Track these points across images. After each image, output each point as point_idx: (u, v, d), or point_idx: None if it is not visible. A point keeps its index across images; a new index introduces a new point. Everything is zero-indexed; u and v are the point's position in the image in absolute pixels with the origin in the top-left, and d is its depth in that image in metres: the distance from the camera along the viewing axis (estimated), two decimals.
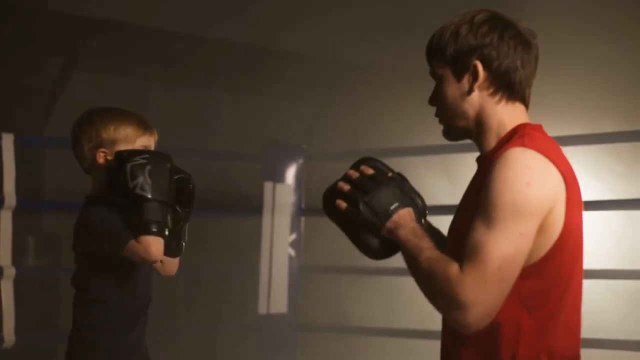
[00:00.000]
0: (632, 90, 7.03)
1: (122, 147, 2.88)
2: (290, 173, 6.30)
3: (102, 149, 2.90)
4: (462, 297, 2.15)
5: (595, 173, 6.66)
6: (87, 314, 2.86)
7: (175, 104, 7.96)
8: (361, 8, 8.00)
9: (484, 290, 2.15)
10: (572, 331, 2.28)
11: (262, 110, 8.22)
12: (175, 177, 2.88)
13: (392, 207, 2.32)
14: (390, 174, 2.39)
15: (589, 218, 6.25)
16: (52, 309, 6.38)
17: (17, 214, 5.36)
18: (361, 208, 2.32)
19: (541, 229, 2.20)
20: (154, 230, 2.77)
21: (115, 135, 2.89)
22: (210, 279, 7.48)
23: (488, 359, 2.24)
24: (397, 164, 8.17)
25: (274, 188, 6.25)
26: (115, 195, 2.82)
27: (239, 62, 7.52)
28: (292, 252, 6.25)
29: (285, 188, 6.25)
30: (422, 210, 2.39)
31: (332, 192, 2.39)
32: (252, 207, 6.53)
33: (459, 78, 2.32)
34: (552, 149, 2.26)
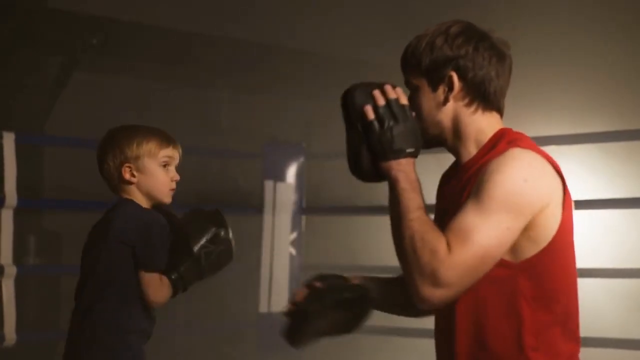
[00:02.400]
0: (619, 90, 7.04)
1: (147, 160, 2.94)
2: (291, 172, 6.30)
3: (127, 164, 2.94)
4: (441, 275, 2.16)
5: (588, 171, 6.67)
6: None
7: (176, 102, 7.96)
8: (362, 7, 8.00)
9: (461, 275, 2.17)
10: (570, 329, 2.29)
11: (263, 109, 8.22)
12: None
13: (408, 150, 2.30)
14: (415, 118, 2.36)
15: (589, 217, 6.24)
16: (53, 307, 6.39)
17: (17, 212, 5.36)
18: (385, 132, 2.29)
19: (533, 227, 2.22)
20: (176, 284, 2.96)
21: (139, 149, 2.94)
22: (211, 278, 7.47)
23: (486, 353, 2.25)
24: None
25: (274, 187, 6.25)
26: (181, 234, 2.97)
27: (239, 60, 7.52)
28: (292, 250, 6.25)
29: (286, 187, 6.25)
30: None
31: (365, 94, 2.37)
32: (252, 205, 6.53)
33: (434, 88, 2.34)
34: (544, 153, 2.29)
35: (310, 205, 6.33)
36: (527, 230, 2.22)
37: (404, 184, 2.27)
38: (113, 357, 2.87)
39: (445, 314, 2.31)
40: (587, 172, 6.66)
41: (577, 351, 2.31)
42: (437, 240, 2.19)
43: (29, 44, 6.47)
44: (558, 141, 5.48)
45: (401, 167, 2.29)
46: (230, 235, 3.03)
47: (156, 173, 2.95)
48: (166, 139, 2.98)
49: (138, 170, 2.93)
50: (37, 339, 6.11)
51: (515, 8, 7.13)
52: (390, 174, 2.29)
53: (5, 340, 5.27)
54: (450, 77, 2.32)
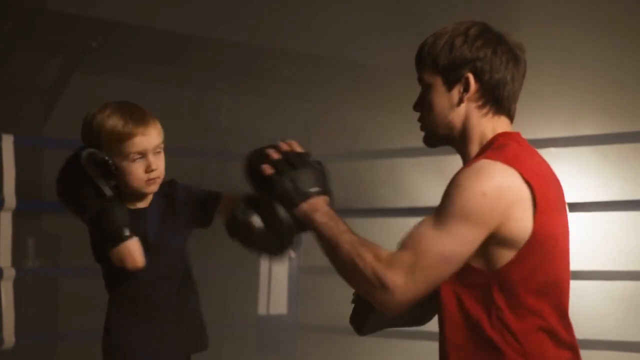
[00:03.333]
0: (613, 92, 7.05)
1: (116, 160, 2.63)
2: None
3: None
4: (389, 279, 2.19)
5: (582, 174, 6.67)
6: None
7: (175, 104, 7.95)
8: (361, 8, 8.00)
9: (411, 279, 2.19)
10: (560, 336, 2.28)
11: (261, 111, 8.22)
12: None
13: (313, 189, 2.35)
14: (317, 160, 2.42)
15: (584, 220, 6.23)
16: (52, 309, 6.39)
17: (17, 214, 5.36)
18: (285, 180, 2.34)
19: (499, 237, 2.22)
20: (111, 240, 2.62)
21: (106, 148, 2.63)
22: (210, 280, 7.48)
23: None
24: (395, 165, 8.16)
25: None
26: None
27: (238, 62, 7.52)
28: (291, 253, 6.25)
29: None
30: (333, 202, 2.41)
31: (259, 156, 2.41)
32: None
33: (449, 88, 2.34)
34: (522, 159, 2.27)
35: None
36: (494, 241, 2.23)
37: (321, 219, 2.32)
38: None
39: (438, 320, 2.32)
40: (581, 174, 6.66)
41: (572, 359, 2.30)
42: (374, 248, 2.24)
43: (29, 46, 6.47)
44: (552, 144, 5.48)
45: (313, 207, 2.34)
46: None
47: (127, 170, 2.63)
48: (129, 130, 2.62)
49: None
50: (36, 341, 6.11)
51: (511, 9, 7.14)
52: (307, 217, 2.34)
53: (4, 343, 5.27)
54: (467, 79, 2.32)
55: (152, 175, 2.65)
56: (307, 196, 2.34)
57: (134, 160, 2.63)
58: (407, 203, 7.09)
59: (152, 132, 2.66)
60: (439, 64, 2.34)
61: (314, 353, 6.79)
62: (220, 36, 7.48)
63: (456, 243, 2.20)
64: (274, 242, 2.44)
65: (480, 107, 2.33)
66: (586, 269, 5.22)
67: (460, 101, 2.33)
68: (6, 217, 5.31)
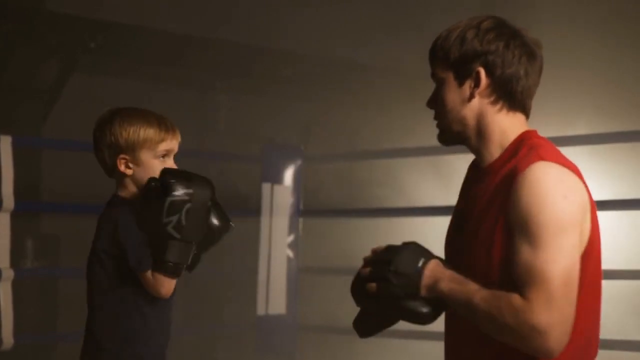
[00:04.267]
0: (606, 92, 7.05)
1: (144, 153, 2.76)
2: (289, 174, 6.30)
3: (123, 156, 2.77)
4: (536, 323, 2.11)
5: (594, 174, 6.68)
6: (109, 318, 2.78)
7: (174, 105, 7.96)
8: (360, 8, 8.00)
9: (556, 310, 2.12)
10: (589, 331, 2.26)
11: (261, 111, 8.22)
12: (215, 216, 2.77)
13: (420, 263, 2.26)
14: (405, 243, 2.33)
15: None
16: (51, 310, 6.38)
17: (15, 215, 5.36)
18: (391, 278, 2.25)
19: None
20: (171, 272, 2.69)
21: (136, 141, 2.77)
22: (209, 280, 7.48)
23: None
24: (394, 165, 8.13)
25: (272, 189, 6.26)
26: (144, 223, 2.70)
27: (237, 63, 7.52)
28: (290, 253, 6.25)
29: (284, 189, 6.25)
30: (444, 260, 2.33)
31: (358, 282, 2.33)
32: (250, 208, 6.52)
33: (460, 83, 2.29)
34: (566, 160, 2.25)
35: (308, 208, 6.33)
36: None
37: (448, 286, 2.23)
38: None
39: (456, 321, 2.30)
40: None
41: (591, 353, 2.28)
42: (507, 299, 2.14)
43: (27, 46, 6.47)
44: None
45: (434, 276, 2.25)
46: (202, 193, 2.69)
47: (153, 166, 2.77)
48: (165, 129, 2.80)
49: (134, 162, 2.77)
50: (35, 342, 6.11)
51: (507, 10, 7.14)
52: (434, 292, 2.25)
53: (3, 344, 5.27)
54: (478, 73, 2.27)
55: None
56: (420, 275, 2.25)
57: (159, 157, 2.78)
58: (406, 203, 7.09)
59: (178, 138, 2.84)
60: (450, 58, 2.29)
61: (313, 353, 6.79)
62: (220, 36, 7.48)
63: (569, 253, 2.14)
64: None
65: (493, 103, 2.28)
66: None
67: (472, 96, 2.28)
68: (4, 218, 5.31)
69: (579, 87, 7.11)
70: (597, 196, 6.31)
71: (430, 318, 2.28)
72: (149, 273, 2.70)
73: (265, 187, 6.25)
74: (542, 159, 2.19)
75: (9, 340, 5.28)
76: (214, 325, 7.38)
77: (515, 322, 2.12)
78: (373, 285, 2.28)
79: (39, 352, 6.24)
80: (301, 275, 6.37)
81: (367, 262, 2.32)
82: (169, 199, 2.65)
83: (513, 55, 2.27)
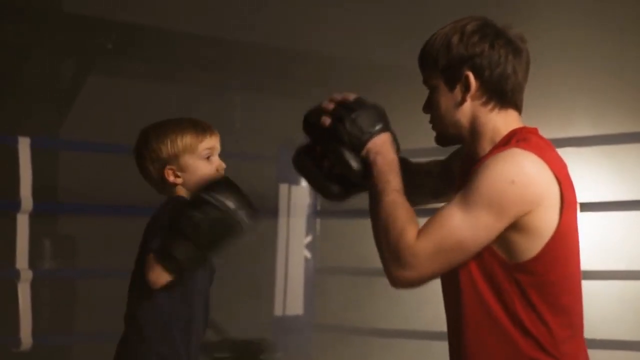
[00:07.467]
0: (601, 93, 7.02)
1: (187, 157, 2.82)
2: None
3: (169, 167, 2.83)
4: (404, 258, 2.21)
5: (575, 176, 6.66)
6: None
7: (189, 105, 7.97)
8: (376, 9, 7.99)
9: (427, 261, 2.21)
10: (574, 328, 2.32)
11: (277, 111, 8.22)
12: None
13: (377, 127, 2.35)
14: (374, 102, 2.41)
15: (588, 219, 6.21)
16: (69, 311, 6.40)
17: (33, 216, 5.38)
18: (346, 122, 2.33)
19: (524, 228, 2.22)
20: (162, 261, 2.65)
21: (176, 148, 2.83)
22: (226, 281, 7.48)
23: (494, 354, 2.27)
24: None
25: (289, 190, 6.26)
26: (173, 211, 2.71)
27: (253, 63, 7.53)
28: (307, 254, 6.25)
29: (301, 190, 6.25)
30: (397, 143, 2.40)
31: (316, 110, 2.40)
32: (267, 208, 6.53)
33: (451, 88, 2.33)
34: (547, 152, 2.27)
35: (325, 209, 6.32)
36: (518, 231, 2.22)
37: (382, 166, 2.32)
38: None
39: (453, 309, 2.33)
40: (574, 176, 6.65)
41: (579, 349, 2.37)
42: (406, 224, 2.23)
43: (44, 48, 6.49)
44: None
45: (377, 148, 2.33)
46: (233, 201, 2.75)
47: (200, 168, 2.85)
48: (202, 130, 2.88)
49: (181, 169, 2.82)
50: (52, 342, 6.13)
51: (504, 12, 7.11)
52: (369, 158, 2.33)
53: (22, 344, 5.29)
54: (467, 77, 2.30)
55: (221, 174, 2.89)
56: (371, 135, 2.34)
57: (204, 158, 2.86)
58: None
59: (218, 136, 2.96)
60: (438, 65, 2.33)
61: (330, 353, 6.78)
62: (235, 37, 7.49)
63: (476, 230, 2.20)
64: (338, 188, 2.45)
65: (485, 103, 2.32)
66: (586, 269, 5.21)
67: (463, 100, 2.32)
68: (23, 219, 5.33)
69: (580, 87, 7.08)
70: (600, 197, 6.21)
71: (356, 175, 2.34)
72: (150, 256, 2.68)
73: (283, 187, 6.25)
74: (517, 146, 2.25)
75: (27, 340, 5.30)
76: (231, 326, 7.38)
77: (394, 241, 2.23)
78: (328, 119, 2.36)
79: (57, 352, 6.26)
80: (318, 275, 6.36)
81: (334, 100, 2.39)
82: (207, 197, 2.67)
83: (499, 55, 2.30)
